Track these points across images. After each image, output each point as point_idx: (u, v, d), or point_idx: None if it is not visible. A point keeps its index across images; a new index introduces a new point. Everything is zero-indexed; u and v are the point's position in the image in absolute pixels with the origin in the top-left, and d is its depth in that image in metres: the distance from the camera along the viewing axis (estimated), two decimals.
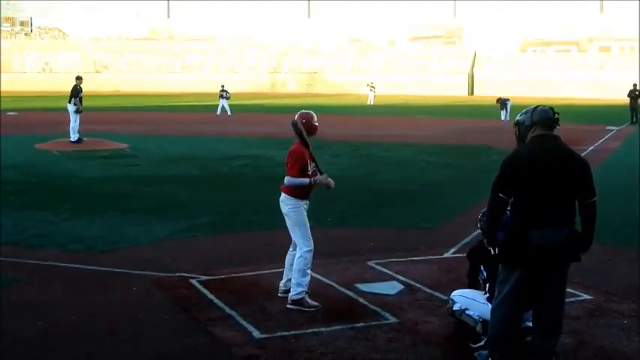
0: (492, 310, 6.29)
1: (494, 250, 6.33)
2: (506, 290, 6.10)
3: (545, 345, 6.21)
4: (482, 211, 6.83)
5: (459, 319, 6.87)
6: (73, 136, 24.62)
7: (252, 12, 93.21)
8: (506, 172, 6.03)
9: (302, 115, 8.03)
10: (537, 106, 6.24)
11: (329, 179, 7.98)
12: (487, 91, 71.12)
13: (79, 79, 25.56)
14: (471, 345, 6.67)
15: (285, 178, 7.80)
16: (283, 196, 7.97)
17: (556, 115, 6.15)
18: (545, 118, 6.10)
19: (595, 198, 6.05)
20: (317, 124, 8.08)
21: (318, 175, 7.95)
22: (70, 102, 24.89)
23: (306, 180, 7.79)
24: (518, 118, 6.29)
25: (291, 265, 8.03)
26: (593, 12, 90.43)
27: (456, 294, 6.97)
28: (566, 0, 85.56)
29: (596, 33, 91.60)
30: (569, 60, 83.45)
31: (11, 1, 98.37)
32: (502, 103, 38.84)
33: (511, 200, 6.05)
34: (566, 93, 74.51)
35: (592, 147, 24.84)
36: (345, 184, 15.94)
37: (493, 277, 6.54)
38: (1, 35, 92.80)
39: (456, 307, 6.83)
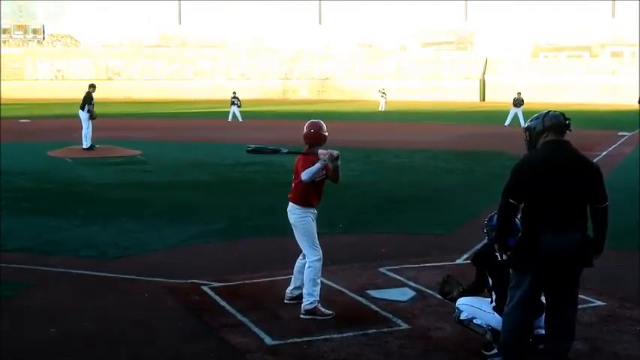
0: (504, 316, 6.27)
1: (506, 256, 6.32)
2: (519, 295, 6.09)
3: (558, 350, 6.20)
4: (490, 215, 6.83)
5: (466, 327, 6.85)
6: (86, 143, 24.69)
7: (263, 18, 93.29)
8: (517, 178, 6.04)
9: (311, 125, 8.01)
10: (548, 112, 6.23)
11: (331, 150, 7.75)
12: (499, 97, 70.91)
13: (92, 86, 25.68)
14: (484, 352, 6.65)
15: (302, 174, 7.69)
16: (290, 205, 7.95)
17: (567, 121, 6.14)
18: (556, 123, 6.09)
19: (607, 203, 6.04)
20: (327, 133, 8.02)
21: (318, 152, 7.75)
22: (82, 109, 24.95)
23: (318, 164, 7.66)
24: (529, 123, 6.28)
25: (300, 272, 8.03)
26: (605, 17, 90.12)
27: (462, 302, 6.89)
28: (578, 2, 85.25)
29: (608, 38, 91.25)
30: (581, 65, 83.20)
31: (23, 9, 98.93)
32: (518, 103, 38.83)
33: (522, 206, 6.05)
34: (578, 98, 74.24)
35: (605, 152, 24.73)
36: (356, 189, 15.95)
37: (499, 286, 6.53)
38: (13, 43, 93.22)
39: (463, 317, 6.81)
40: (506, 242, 6.19)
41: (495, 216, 6.47)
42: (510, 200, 6.01)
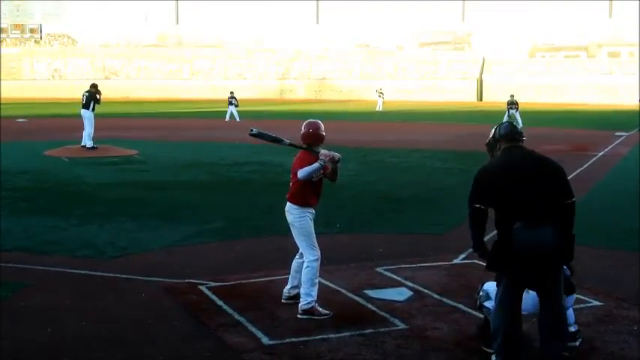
0: (492, 315, 6.34)
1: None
2: (499, 296, 6.22)
3: (550, 349, 6.22)
4: None
5: (485, 316, 6.82)
6: (89, 143, 24.72)
7: (260, 18, 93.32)
8: (477, 184, 6.27)
9: (309, 125, 8.01)
10: (501, 123, 6.62)
11: (333, 153, 7.74)
12: (496, 97, 70.98)
13: (94, 86, 25.77)
14: (485, 348, 6.64)
15: (298, 172, 7.69)
16: (288, 205, 7.95)
17: (518, 131, 6.50)
18: (508, 132, 6.42)
19: (573, 199, 6.21)
20: (324, 133, 8.02)
21: (320, 152, 7.73)
22: (87, 108, 24.90)
23: (316, 164, 7.66)
24: (487, 140, 6.60)
25: (297, 271, 8.04)
26: (603, 17, 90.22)
27: (490, 288, 6.77)
28: (575, 2, 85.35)
29: (606, 38, 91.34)
30: (579, 65, 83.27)
31: (21, 8, 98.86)
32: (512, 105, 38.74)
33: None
34: (575, 98, 74.35)
35: (601, 153, 24.76)
36: (354, 189, 15.95)
37: None
38: (11, 42, 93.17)
39: (488, 304, 6.76)
40: (484, 248, 6.26)
41: None
42: (476, 205, 6.20)
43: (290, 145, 8.04)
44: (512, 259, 5.98)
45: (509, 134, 6.41)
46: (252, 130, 8.15)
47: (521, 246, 5.94)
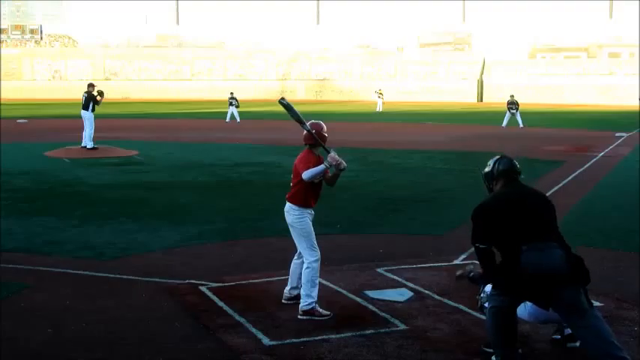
0: (487, 318, 6.35)
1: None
2: (496, 306, 6.18)
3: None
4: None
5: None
6: (89, 144, 24.74)
7: (261, 19, 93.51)
8: (475, 223, 6.23)
9: (312, 125, 7.99)
10: (501, 157, 6.51)
11: (341, 160, 7.69)
12: (496, 98, 71.02)
13: (92, 85, 25.75)
14: (485, 349, 6.63)
15: (303, 173, 7.67)
16: (288, 205, 7.95)
17: (517, 169, 6.43)
18: (505, 170, 6.39)
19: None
20: (327, 134, 8.02)
21: (330, 153, 7.71)
22: (86, 109, 24.90)
23: (322, 166, 7.67)
24: (485, 169, 6.55)
25: (296, 272, 8.04)
26: (603, 18, 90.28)
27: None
28: (575, 3, 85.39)
29: (606, 39, 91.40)
30: (579, 66, 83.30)
31: (21, 9, 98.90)
32: (512, 106, 38.69)
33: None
34: (575, 99, 74.38)
35: (602, 153, 24.75)
36: (354, 190, 15.95)
37: None
38: (11, 43, 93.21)
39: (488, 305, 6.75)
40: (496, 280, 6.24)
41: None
42: (477, 245, 6.19)
43: (309, 132, 7.92)
44: (520, 281, 5.94)
45: (509, 172, 6.39)
46: (283, 100, 8.15)
47: (529, 268, 5.88)
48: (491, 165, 6.48)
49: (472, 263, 7.02)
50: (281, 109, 8.20)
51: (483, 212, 6.22)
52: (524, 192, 6.34)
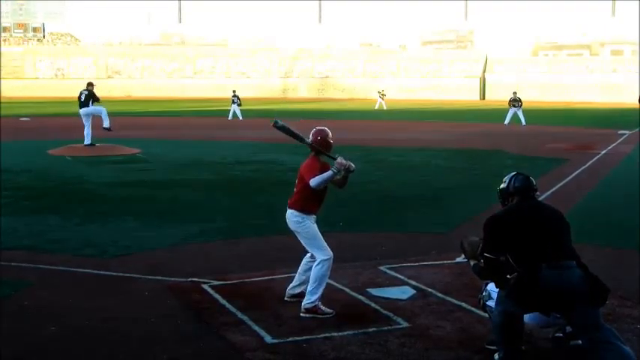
0: (493, 315, 6.35)
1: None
2: (503, 310, 6.17)
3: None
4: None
5: (489, 314, 6.81)
6: (87, 140, 24.80)
7: (263, 17, 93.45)
8: (490, 233, 6.21)
9: (317, 132, 7.95)
10: (517, 175, 6.47)
11: (349, 162, 7.60)
12: (499, 95, 70.98)
13: (91, 84, 25.72)
14: (488, 346, 6.64)
15: (311, 181, 7.59)
16: (289, 212, 7.89)
17: (534, 182, 6.41)
18: (521, 187, 6.35)
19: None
20: (332, 140, 7.93)
21: (337, 159, 7.61)
22: (86, 106, 24.88)
23: (329, 173, 7.58)
24: (501, 185, 6.52)
25: (305, 270, 8.01)
26: (605, 15, 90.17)
27: (494, 287, 6.73)
28: (578, 1, 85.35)
29: (608, 37, 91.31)
30: (581, 64, 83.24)
31: (24, 8, 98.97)
32: (515, 102, 38.65)
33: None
34: (578, 97, 74.32)
35: (604, 151, 24.73)
36: (357, 188, 15.92)
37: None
38: (14, 41, 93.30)
39: (490, 303, 6.75)
40: (505, 283, 6.20)
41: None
42: (486, 254, 6.17)
43: (311, 146, 7.88)
44: (538, 298, 5.93)
45: (525, 189, 6.35)
46: (277, 122, 8.03)
47: (549, 287, 5.86)
48: (507, 182, 6.45)
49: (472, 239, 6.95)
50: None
51: (494, 224, 6.22)
52: (539, 208, 6.33)
